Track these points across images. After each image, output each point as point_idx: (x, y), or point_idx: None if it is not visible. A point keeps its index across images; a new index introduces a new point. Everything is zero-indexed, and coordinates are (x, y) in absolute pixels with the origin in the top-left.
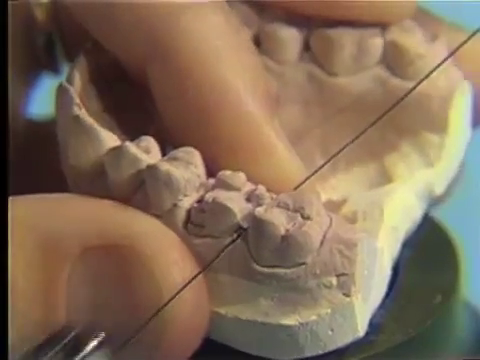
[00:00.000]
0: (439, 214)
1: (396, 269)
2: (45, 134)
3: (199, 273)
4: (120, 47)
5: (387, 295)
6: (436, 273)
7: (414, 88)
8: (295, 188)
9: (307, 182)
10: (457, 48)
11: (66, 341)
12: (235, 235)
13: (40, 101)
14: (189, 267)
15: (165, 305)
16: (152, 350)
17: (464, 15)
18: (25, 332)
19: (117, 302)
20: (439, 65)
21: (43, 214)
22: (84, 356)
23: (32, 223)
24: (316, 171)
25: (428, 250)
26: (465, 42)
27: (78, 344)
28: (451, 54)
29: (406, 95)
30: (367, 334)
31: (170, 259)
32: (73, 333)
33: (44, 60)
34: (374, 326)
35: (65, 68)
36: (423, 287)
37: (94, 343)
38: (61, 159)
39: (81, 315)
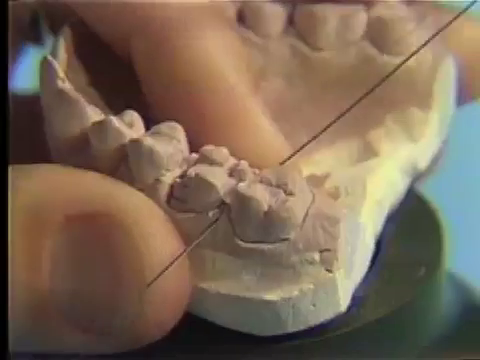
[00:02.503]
0: (422, 187)
1: (379, 243)
2: (30, 107)
3: (184, 251)
4: (104, 24)
5: (370, 269)
6: (420, 246)
7: (400, 65)
8: (280, 164)
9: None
10: (444, 26)
11: None
12: (218, 210)
13: (25, 74)
14: (171, 237)
15: (152, 282)
16: (132, 321)
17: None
18: (13, 294)
19: (99, 270)
20: (426, 43)
21: (27, 182)
22: None
23: (16, 191)
24: (301, 148)
25: (411, 223)
26: (452, 21)
27: None
28: (438, 32)
29: (392, 73)
30: (350, 308)
31: (152, 228)
32: None
33: (29, 36)
34: (357, 300)
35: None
36: (407, 260)
37: None
38: (46, 132)
39: (64, 282)
